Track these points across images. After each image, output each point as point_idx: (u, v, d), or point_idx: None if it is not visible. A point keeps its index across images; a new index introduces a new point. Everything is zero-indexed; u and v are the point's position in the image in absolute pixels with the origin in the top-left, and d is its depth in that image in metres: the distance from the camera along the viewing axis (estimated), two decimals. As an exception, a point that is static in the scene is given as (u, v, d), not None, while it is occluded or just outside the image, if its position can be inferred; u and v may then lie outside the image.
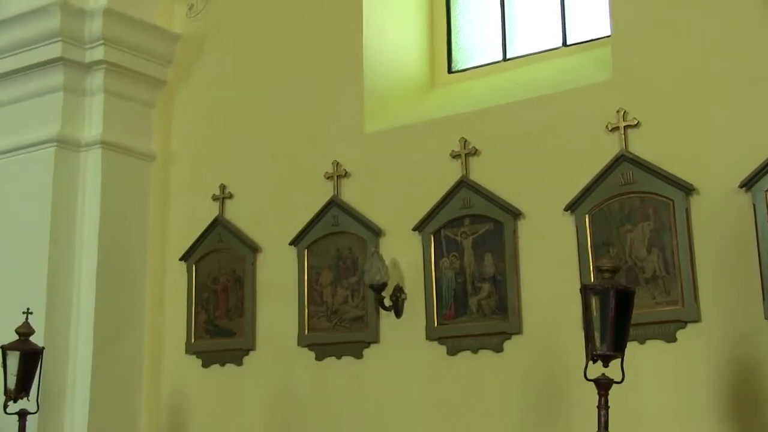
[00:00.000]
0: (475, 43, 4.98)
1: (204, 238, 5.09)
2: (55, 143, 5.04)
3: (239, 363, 4.88)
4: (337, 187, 4.70)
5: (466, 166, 4.33)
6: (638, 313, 3.39)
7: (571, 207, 4.02)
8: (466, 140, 4.35)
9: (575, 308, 3.65)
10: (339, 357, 4.56)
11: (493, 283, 4.18)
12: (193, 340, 5.03)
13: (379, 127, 4.70)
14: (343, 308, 4.57)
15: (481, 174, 4.31)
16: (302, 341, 4.67)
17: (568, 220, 4.03)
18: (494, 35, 4.90)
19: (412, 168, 4.51)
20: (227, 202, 5.09)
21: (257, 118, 5.09)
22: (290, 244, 4.77)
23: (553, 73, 4.49)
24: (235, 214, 5.05)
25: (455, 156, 4.37)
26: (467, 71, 4.96)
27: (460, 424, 4.18)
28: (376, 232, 4.53)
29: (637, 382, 3.58)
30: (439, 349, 4.28)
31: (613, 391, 3.18)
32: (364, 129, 4.71)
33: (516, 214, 4.17)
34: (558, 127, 4.15)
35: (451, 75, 5.00)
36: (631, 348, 3.34)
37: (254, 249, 4.92)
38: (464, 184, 4.31)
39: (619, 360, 3.19)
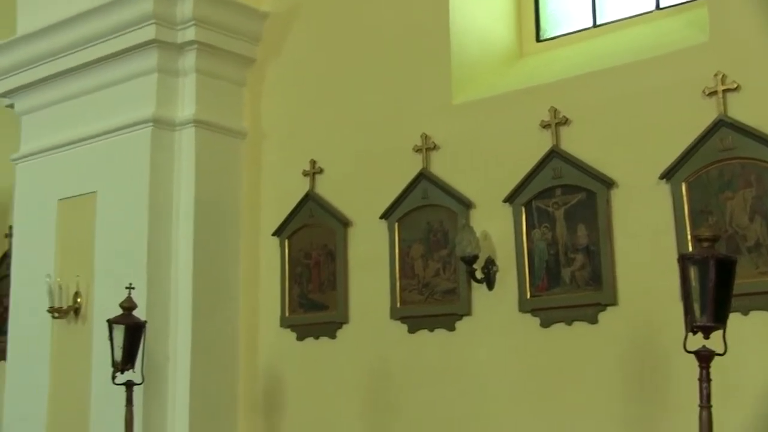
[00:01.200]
0: (564, 9, 4.89)
1: (296, 214, 5.15)
2: (151, 123, 5.16)
3: (333, 336, 4.94)
4: (426, 160, 4.69)
5: (556, 136, 4.27)
6: (741, 283, 3.30)
7: (667, 175, 3.92)
8: (556, 109, 4.28)
9: (672, 279, 3.59)
10: (431, 330, 4.57)
11: (587, 254, 4.12)
12: (287, 314, 5.12)
13: (467, 98, 4.67)
14: (435, 281, 4.58)
15: (572, 143, 4.24)
16: (395, 314, 4.70)
17: (664, 189, 3.94)
18: (583, 1, 4.80)
19: (502, 139, 4.47)
20: (318, 177, 5.14)
21: (346, 93, 5.11)
22: (381, 217, 4.79)
23: (646, 38, 4.38)
24: (325, 189, 5.10)
25: (545, 126, 4.31)
26: (556, 39, 4.87)
27: (554, 397, 4.15)
28: (467, 205, 4.52)
29: (740, 354, 3.47)
30: (532, 321, 4.26)
31: (714, 364, 3.11)
32: (452, 101, 4.68)
33: (609, 184, 4.10)
34: (652, 93, 4.05)
35: (540, 43, 4.93)
36: (734, 319, 3.24)
37: (345, 223, 4.96)
38: (555, 154, 4.26)
39: (721, 331, 3.11)
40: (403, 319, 4.67)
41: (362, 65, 5.07)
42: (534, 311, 4.25)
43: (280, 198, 5.25)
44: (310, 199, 5.12)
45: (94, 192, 5.38)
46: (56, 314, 5.30)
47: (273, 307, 5.17)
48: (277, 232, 5.21)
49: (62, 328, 5.36)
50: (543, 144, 4.30)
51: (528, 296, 4.26)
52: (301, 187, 5.16)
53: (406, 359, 4.65)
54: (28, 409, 5.44)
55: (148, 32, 5.12)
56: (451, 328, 4.51)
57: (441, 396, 4.50)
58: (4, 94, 5.97)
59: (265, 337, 5.21)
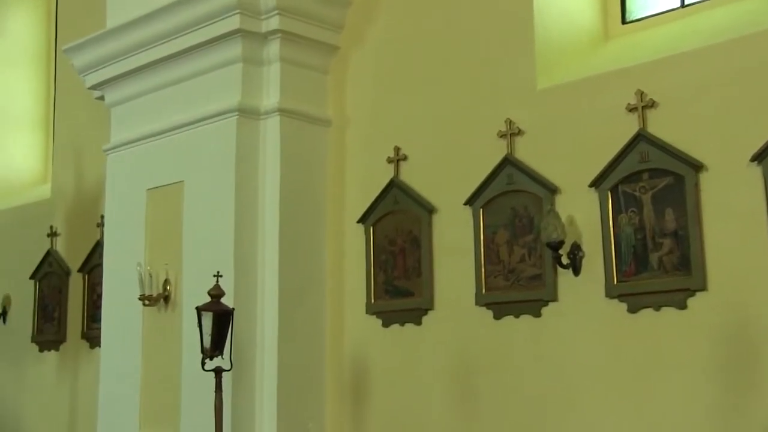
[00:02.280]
0: (650, -10, 4.81)
1: (380, 201, 5.18)
2: (237, 113, 5.23)
3: (418, 322, 4.96)
4: (510, 146, 4.67)
5: (643, 119, 4.21)
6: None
7: (758, 157, 3.83)
8: (642, 92, 4.21)
9: (764, 263, 3.51)
10: (517, 316, 4.56)
11: (675, 239, 4.05)
12: (372, 301, 5.15)
13: (551, 82, 4.62)
14: (520, 267, 4.56)
15: (660, 126, 4.17)
16: (480, 300, 4.69)
17: (755, 171, 3.85)
18: (670, -19, 4.71)
19: (587, 123, 4.42)
20: (402, 164, 5.15)
21: (429, 79, 5.10)
22: (465, 204, 4.78)
23: (735, 17, 4.27)
24: (409, 176, 5.11)
25: (631, 109, 4.24)
26: (642, 21, 4.78)
27: (642, 384, 4.10)
28: (552, 190, 4.48)
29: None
30: (620, 307, 4.20)
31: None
32: (537, 85, 4.64)
33: (697, 167, 4.02)
34: (741, 73, 3.95)
35: (625, 26, 4.84)
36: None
37: (430, 210, 4.97)
38: (642, 137, 4.19)
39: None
40: (488, 305, 4.66)
41: (445, 50, 5.05)
42: (621, 297, 4.19)
43: (365, 185, 5.28)
44: (394, 186, 5.14)
45: (181, 181, 5.49)
46: (147, 302, 5.43)
47: (358, 294, 5.21)
48: (362, 220, 5.25)
49: (153, 316, 5.49)
50: (629, 128, 4.23)
51: (615, 282, 4.21)
52: (386, 174, 5.18)
53: (491, 345, 4.65)
54: (122, 394, 5.60)
55: (233, 22, 5.19)
56: (537, 314, 4.48)
57: (527, 382, 4.49)
58: (95, 87, 6.12)
59: (351, 323, 5.26)
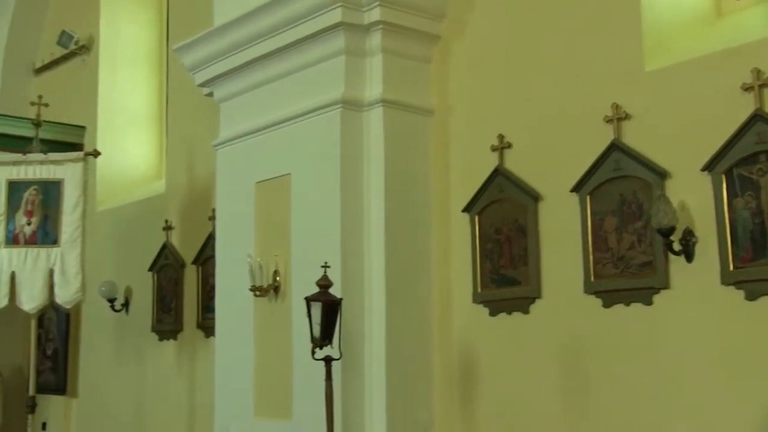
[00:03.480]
0: (765, -37, 4.60)
1: (485, 189, 5.14)
2: (340, 105, 5.27)
3: (526, 311, 4.91)
4: (617, 130, 4.56)
5: (760, 99, 4.03)
6: None
7: None
8: (759, 71, 4.04)
9: None
10: (627, 304, 4.45)
11: (796, 223, 3.89)
12: (479, 290, 5.12)
13: (660, 64, 4.48)
14: (630, 254, 4.45)
15: (778, 105, 4.00)
16: (588, 288, 4.60)
17: None
18: (786, -47, 4.50)
19: (699, 105, 4.27)
20: (506, 151, 5.10)
21: (532, 65, 5.03)
22: (572, 191, 4.70)
23: None
24: (514, 164, 5.05)
25: (747, 88, 4.08)
26: (757, -5, 4.60)
27: (760, 374, 3.95)
28: (662, 175, 4.35)
29: None
30: (736, 294, 4.06)
31: None
32: (645, 67, 4.51)
33: (819, 148, 3.84)
34: None
35: (740, 1, 4.65)
36: None
37: (535, 197, 4.90)
38: (759, 117, 4.02)
39: None
40: (597, 293, 4.57)
41: (549, 35, 4.97)
42: (738, 284, 4.04)
43: (469, 174, 5.25)
44: (499, 174, 5.09)
45: (288, 174, 5.57)
46: (257, 293, 5.54)
47: (465, 283, 5.19)
48: (467, 209, 5.22)
49: (263, 306, 5.60)
50: (745, 108, 4.07)
51: (731, 268, 4.06)
52: (490, 163, 5.13)
53: (601, 334, 4.56)
54: (236, 382, 5.74)
55: (335, 15, 5.22)
56: (649, 302, 4.37)
57: (638, 372, 4.39)
58: (204, 84, 6.27)
59: (458, 312, 5.25)
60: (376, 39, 5.31)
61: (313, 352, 4.68)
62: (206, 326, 7.29)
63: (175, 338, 7.79)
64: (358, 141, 5.30)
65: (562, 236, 4.75)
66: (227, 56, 5.92)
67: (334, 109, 5.29)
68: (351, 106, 5.29)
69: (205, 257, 7.34)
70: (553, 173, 4.83)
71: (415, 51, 5.44)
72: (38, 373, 7.98)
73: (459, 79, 5.42)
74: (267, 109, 5.74)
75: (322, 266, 4.74)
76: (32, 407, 7.42)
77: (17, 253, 7.23)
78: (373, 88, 5.33)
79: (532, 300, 4.87)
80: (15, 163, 7.38)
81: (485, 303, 5.10)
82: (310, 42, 5.43)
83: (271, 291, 5.53)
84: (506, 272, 5.00)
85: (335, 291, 4.76)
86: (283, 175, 5.58)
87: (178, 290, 7.78)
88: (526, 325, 4.91)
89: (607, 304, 4.54)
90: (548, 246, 4.83)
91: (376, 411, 5.09)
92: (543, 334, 4.82)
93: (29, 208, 7.31)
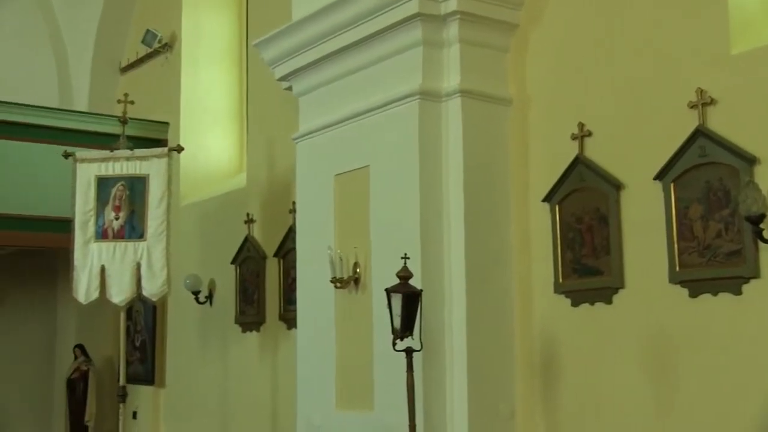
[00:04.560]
0: None
1: (565, 178, 5.07)
2: (418, 96, 5.27)
3: (609, 301, 4.83)
4: (702, 116, 4.44)
5: None
6: None
7: None
8: None
9: None
10: (715, 293, 4.35)
11: None
12: (560, 280, 5.06)
13: (746, 46, 4.35)
14: (717, 242, 4.34)
15: None
16: (674, 278, 4.51)
17: None
18: None
19: (788, 88, 4.14)
20: (586, 140, 5.02)
21: (612, 52, 4.94)
22: (655, 178, 4.60)
23: None
24: (595, 152, 4.97)
25: (839, 70, 3.94)
26: None
27: None
28: (749, 160, 4.23)
29: None
30: (830, 283, 3.93)
31: None
32: (730, 50, 4.39)
33: None
34: None
35: (829, -20, 4.50)
36: None
37: (617, 186, 4.82)
38: None
39: None
40: (683, 282, 4.47)
41: (629, 20, 4.88)
42: (833, 273, 3.91)
43: (549, 163, 5.19)
44: (579, 162, 5.01)
45: (367, 166, 5.59)
46: (338, 284, 5.58)
47: (546, 274, 5.14)
48: (547, 198, 5.16)
49: (344, 298, 5.64)
50: (836, 90, 3.93)
51: (826, 257, 3.94)
52: (570, 151, 5.06)
53: (687, 324, 4.46)
54: (318, 373, 5.79)
55: (412, 6, 5.21)
56: (737, 292, 4.26)
57: (725, 363, 4.28)
58: (283, 78, 6.34)
59: (539, 303, 5.20)
60: (453, 29, 5.28)
61: (394, 344, 4.69)
62: (288, 318, 7.38)
63: (257, 330, 7.91)
64: (437, 132, 5.29)
65: (645, 225, 4.66)
66: (306, 50, 5.97)
67: (412, 100, 5.29)
68: (429, 97, 5.28)
69: (286, 250, 7.43)
70: (636, 161, 4.74)
71: (492, 40, 5.40)
72: (128, 363, 8.20)
73: (537, 68, 5.36)
74: (345, 101, 5.77)
75: (402, 257, 4.75)
76: (123, 397, 7.62)
77: (106, 247, 7.43)
78: (451, 79, 5.31)
79: (615, 290, 4.79)
80: (103, 159, 7.58)
81: (567, 293, 5.04)
82: (387, 34, 5.43)
83: (352, 283, 5.57)
84: (588, 262, 4.93)
85: (415, 282, 4.76)
86: (362, 167, 5.60)
87: (260, 282, 7.90)
88: (609, 316, 4.84)
89: (693, 294, 4.43)
90: (631, 235, 4.75)
91: (457, 401, 5.08)
92: (626, 325, 4.74)
93: (117, 203, 7.50)
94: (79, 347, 10.09)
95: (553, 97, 5.25)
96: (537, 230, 5.24)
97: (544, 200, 5.18)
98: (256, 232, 8.03)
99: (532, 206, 5.27)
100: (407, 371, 4.70)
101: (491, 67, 5.40)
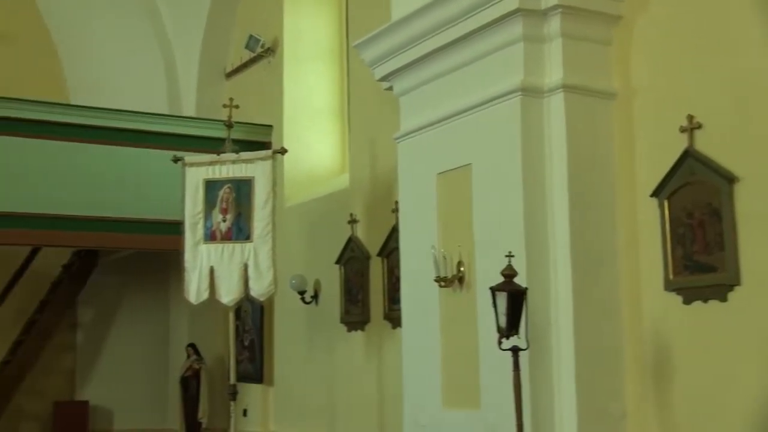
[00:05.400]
0: None
1: (674, 172, 4.92)
2: (520, 92, 5.21)
3: (723, 299, 4.67)
4: (819, 104, 4.27)
5: None
6: None
7: None
8: None
9: None
10: (838, 289, 4.17)
11: None
12: (671, 277, 4.92)
13: None
14: (839, 235, 4.16)
15: None
16: (793, 274, 4.34)
17: None
18: None
19: None
20: (696, 132, 4.87)
21: (722, 40, 4.78)
22: (771, 169, 4.44)
23: None
24: (705, 145, 4.81)
25: None
26: None
27: None
28: None
29: None
30: None
31: None
32: None
33: None
34: None
35: None
36: None
37: (730, 179, 4.65)
38: None
39: None
40: (802, 278, 4.31)
41: (737, 8, 4.71)
42: None
43: (656, 157, 5.05)
44: (689, 156, 4.86)
45: (469, 164, 5.56)
46: (442, 283, 5.57)
47: (655, 270, 5.01)
48: (655, 193, 5.03)
49: (448, 296, 5.63)
50: None
51: None
52: (679, 144, 4.91)
53: (808, 322, 4.29)
54: (424, 372, 5.79)
55: (512, 2, 5.15)
56: None
57: None
58: (384, 78, 6.36)
59: (649, 300, 5.07)
60: (554, 23, 5.21)
61: (500, 342, 4.66)
62: (392, 317, 7.41)
63: (362, 329, 7.97)
64: (539, 128, 5.22)
65: (761, 219, 4.49)
66: (406, 49, 5.98)
67: (514, 96, 5.24)
68: (531, 93, 5.22)
69: (390, 249, 7.46)
70: (750, 153, 4.57)
71: (594, 33, 5.30)
72: (237, 362, 8.39)
73: (642, 60, 5.23)
74: (446, 100, 5.75)
75: (507, 256, 4.71)
76: (234, 395, 7.80)
77: (215, 248, 7.61)
78: (553, 74, 5.23)
79: (730, 287, 4.63)
80: (210, 163, 7.77)
81: (678, 290, 4.90)
82: (487, 30, 5.39)
83: (456, 281, 5.55)
84: (700, 258, 4.78)
85: (520, 280, 4.71)
86: (464, 166, 5.58)
87: (364, 282, 7.96)
88: (724, 314, 4.68)
89: (816, 290, 4.26)
90: (746, 230, 4.58)
91: (565, 401, 5.01)
92: (743, 323, 4.57)
93: (224, 205, 7.68)
94: (192, 346, 10.37)
95: (660, 89, 5.11)
96: (645, 226, 5.11)
97: (652, 195, 5.05)
98: (360, 232, 8.10)
99: (640, 202, 5.14)
100: (513, 370, 4.67)
101: (594, 60, 5.29)
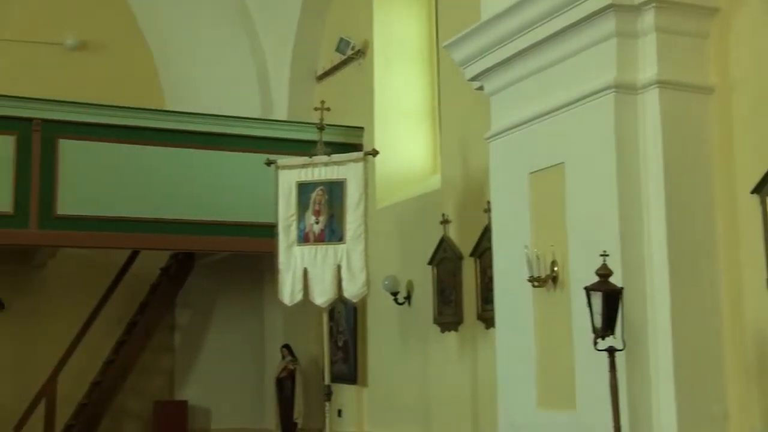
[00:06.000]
0: None
1: (778, 167, 4.79)
2: (613, 89, 5.13)
3: (828, 298, 4.53)
4: None
5: None
6: None
7: None
8: None
9: None
10: None
11: None
12: (775, 276, 4.80)
13: None
14: None
15: None
16: None
17: None
18: None
19: None
20: (798, 126, 4.73)
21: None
22: None
23: None
24: (808, 138, 4.67)
25: None
26: None
27: None
28: None
29: None
30: None
31: None
32: None
33: None
34: None
35: None
36: None
37: (838, 173, 4.51)
38: None
39: None
40: None
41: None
42: None
43: (757, 152, 4.89)
44: (792, 150, 4.73)
45: (561, 163, 5.50)
46: (536, 283, 5.53)
47: (758, 268, 4.84)
48: (757, 189, 4.88)
49: (542, 296, 5.58)
50: None
51: None
52: (781, 139, 4.78)
53: None
54: (518, 372, 5.76)
55: (605, -2, 5.11)
56: None
57: None
58: (474, 78, 6.34)
59: (751, 299, 4.91)
60: (648, 18, 5.11)
61: (595, 343, 4.60)
62: (486, 318, 7.39)
63: (456, 330, 7.97)
64: (633, 125, 5.13)
65: None
66: (496, 49, 5.95)
67: (607, 93, 5.16)
68: (624, 89, 5.14)
69: (482, 249, 7.44)
70: None
71: (690, 27, 5.18)
72: (332, 363, 8.47)
73: (741, 53, 5.08)
74: (537, 98, 5.71)
75: (601, 255, 4.65)
76: (328, 395, 7.88)
77: (308, 250, 7.71)
78: (647, 70, 5.14)
79: (836, 286, 4.48)
80: (303, 165, 7.89)
81: (784, 290, 4.76)
82: (579, 27, 5.32)
83: (550, 281, 5.50)
84: (805, 256, 4.63)
85: (615, 280, 4.65)
86: (557, 164, 5.52)
87: (457, 282, 7.95)
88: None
89: None
90: None
91: (664, 402, 4.91)
92: None
93: (317, 207, 7.78)
94: (286, 347, 10.52)
95: (762, 82, 4.95)
96: (745, 223, 4.96)
97: (753, 192, 4.90)
98: (452, 233, 8.10)
99: (740, 198, 5.00)
100: (610, 371, 4.60)
101: (690, 55, 5.17)
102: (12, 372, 10.91)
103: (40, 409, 10.36)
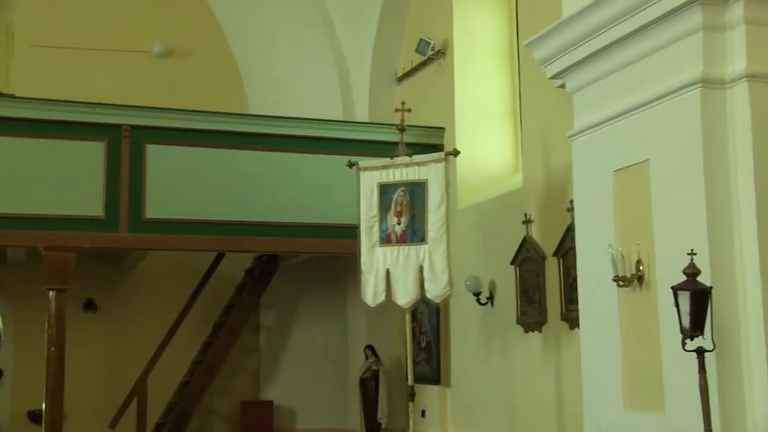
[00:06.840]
0: None
1: None
2: (700, 84, 5.01)
3: None
4: None
5: None
6: None
7: None
8: None
9: None
10: None
11: None
12: None
13: None
14: None
15: None
16: None
17: None
18: None
19: None
20: None
21: None
22: None
23: None
24: None
25: None
26: None
27: None
28: None
29: None
30: None
31: None
32: None
33: None
34: None
35: None
36: None
37: None
38: None
39: None
40: None
41: None
42: None
43: None
44: None
45: (646, 160, 5.41)
46: (621, 283, 5.44)
47: None
48: None
49: (627, 296, 5.49)
50: None
51: None
52: None
53: None
54: (604, 373, 5.67)
55: (691, -9, 5.00)
56: None
57: None
58: (556, 76, 6.28)
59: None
60: (737, 10, 4.98)
61: (684, 343, 4.51)
62: (570, 318, 7.30)
63: (539, 330, 7.90)
64: (721, 120, 5.01)
65: None
66: (578, 46, 5.88)
67: (693, 89, 5.05)
68: (711, 84, 5.01)
69: (566, 249, 7.36)
70: None
71: (781, 18, 5.04)
72: (415, 363, 8.49)
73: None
74: (621, 95, 5.62)
75: (689, 254, 4.56)
76: (412, 396, 7.89)
77: (390, 251, 7.74)
78: (736, 63, 5.01)
79: None
80: (384, 167, 7.92)
81: None
82: (664, 22, 5.22)
83: (635, 281, 5.41)
84: None
85: (704, 279, 4.55)
86: (642, 162, 5.43)
87: (540, 282, 7.88)
88: None
89: None
90: None
91: (758, 405, 4.77)
92: None
93: (398, 208, 7.80)
94: (370, 348, 10.57)
95: None
96: (839, 220, 4.81)
97: None
98: (535, 232, 8.03)
99: (829, 194, 4.85)
100: (699, 372, 4.51)
101: (780, 47, 5.04)
102: (104, 371, 11.24)
103: (132, 408, 10.64)
